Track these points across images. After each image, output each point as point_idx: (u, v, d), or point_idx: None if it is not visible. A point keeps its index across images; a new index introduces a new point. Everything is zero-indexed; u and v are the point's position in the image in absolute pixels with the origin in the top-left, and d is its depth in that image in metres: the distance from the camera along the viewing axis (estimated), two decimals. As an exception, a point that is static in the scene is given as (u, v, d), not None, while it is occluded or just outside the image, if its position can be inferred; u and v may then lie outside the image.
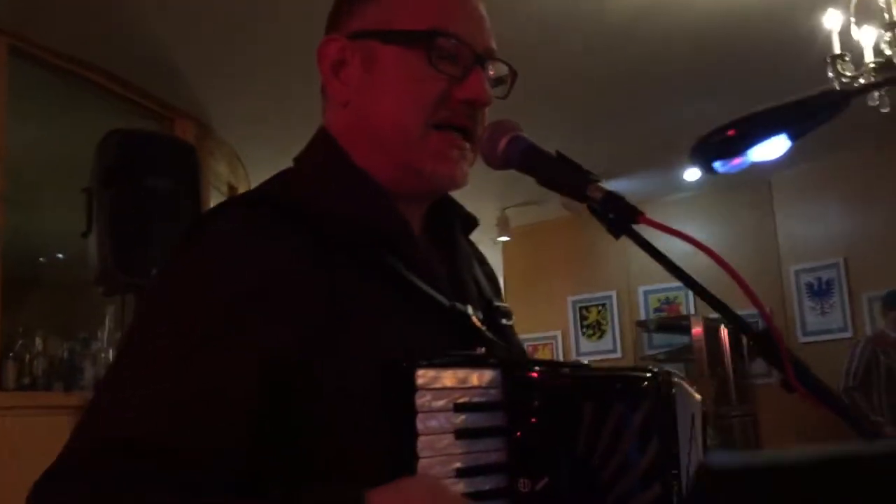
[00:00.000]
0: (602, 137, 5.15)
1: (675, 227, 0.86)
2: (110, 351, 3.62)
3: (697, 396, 1.01)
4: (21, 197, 3.49)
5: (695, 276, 0.86)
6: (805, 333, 5.95)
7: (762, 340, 0.84)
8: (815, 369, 0.83)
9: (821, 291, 5.86)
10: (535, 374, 0.87)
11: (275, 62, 3.94)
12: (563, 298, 7.10)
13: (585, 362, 0.93)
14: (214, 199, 4.16)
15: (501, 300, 1.13)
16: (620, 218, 0.88)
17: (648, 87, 4.52)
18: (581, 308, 7.05)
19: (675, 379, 0.92)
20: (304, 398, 0.82)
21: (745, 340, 5.95)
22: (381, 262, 0.90)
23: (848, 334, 5.72)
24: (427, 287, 0.92)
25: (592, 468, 0.84)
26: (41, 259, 4.02)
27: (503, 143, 0.95)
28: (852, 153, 5.66)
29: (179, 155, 3.05)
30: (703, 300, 0.88)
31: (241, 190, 5.67)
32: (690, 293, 6.79)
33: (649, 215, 0.92)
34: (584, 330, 7.02)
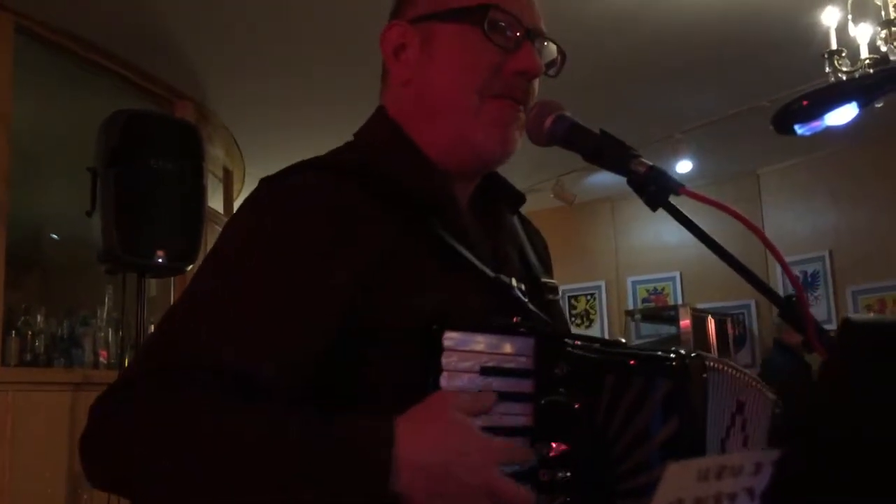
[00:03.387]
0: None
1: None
2: (109, 330, 3.67)
3: (770, 395, 1.01)
4: (22, 175, 3.52)
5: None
6: (790, 325, 6.06)
7: (788, 306, 0.90)
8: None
9: (806, 284, 5.95)
10: (566, 346, 0.90)
11: (275, 48, 3.98)
12: (552, 287, 7.16)
13: (622, 340, 0.95)
14: (211, 183, 4.19)
15: (551, 276, 1.19)
16: (661, 190, 0.93)
17: (641, 81, 4.56)
18: (570, 297, 7.11)
19: (716, 364, 0.94)
20: (357, 339, 0.88)
21: (730, 331, 6.05)
22: (430, 229, 0.96)
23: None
24: (471, 256, 0.97)
25: (608, 440, 0.87)
26: (47, 236, 4.04)
27: (549, 120, 1.02)
28: (839, 148, 5.74)
29: (184, 137, 3.10)
30: (735, 270, 0.93)
31: (237, 174, 5.68)
32: (678, 284, 6.85)
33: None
34: (573, 319, 7.08)
